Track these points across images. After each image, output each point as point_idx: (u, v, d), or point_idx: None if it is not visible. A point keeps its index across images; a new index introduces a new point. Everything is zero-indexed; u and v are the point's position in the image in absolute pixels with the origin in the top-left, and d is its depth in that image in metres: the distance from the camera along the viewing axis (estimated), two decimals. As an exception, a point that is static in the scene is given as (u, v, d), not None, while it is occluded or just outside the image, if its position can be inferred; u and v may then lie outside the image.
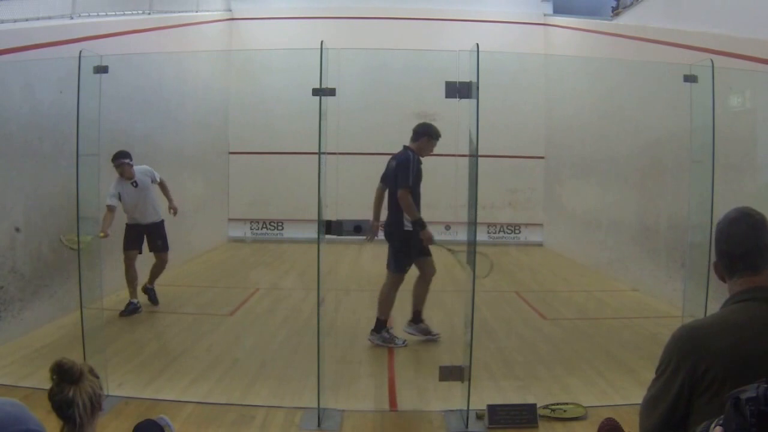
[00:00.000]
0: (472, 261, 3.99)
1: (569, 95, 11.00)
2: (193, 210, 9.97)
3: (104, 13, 7.42)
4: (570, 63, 11.09)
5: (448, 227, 12.22)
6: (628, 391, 4.11)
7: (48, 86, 5.69)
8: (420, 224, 5.07)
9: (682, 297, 4.36)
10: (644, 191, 7.85)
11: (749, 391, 1.27)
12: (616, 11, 9.79)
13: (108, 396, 3.68)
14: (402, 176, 5.11)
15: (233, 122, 12.28)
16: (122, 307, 6.17)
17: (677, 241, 6.66)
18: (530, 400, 3.88)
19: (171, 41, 9.10)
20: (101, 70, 3.96)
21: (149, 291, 6.55)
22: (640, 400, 1.81)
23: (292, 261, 10.17)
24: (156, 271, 6.58)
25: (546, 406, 3.80)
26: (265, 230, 12.50)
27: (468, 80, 3.76)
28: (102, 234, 5.35)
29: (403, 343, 5.22)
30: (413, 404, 4.06)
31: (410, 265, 5.25)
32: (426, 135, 5.28)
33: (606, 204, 9.16)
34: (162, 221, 6.54)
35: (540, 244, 12.04)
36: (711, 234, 3.85)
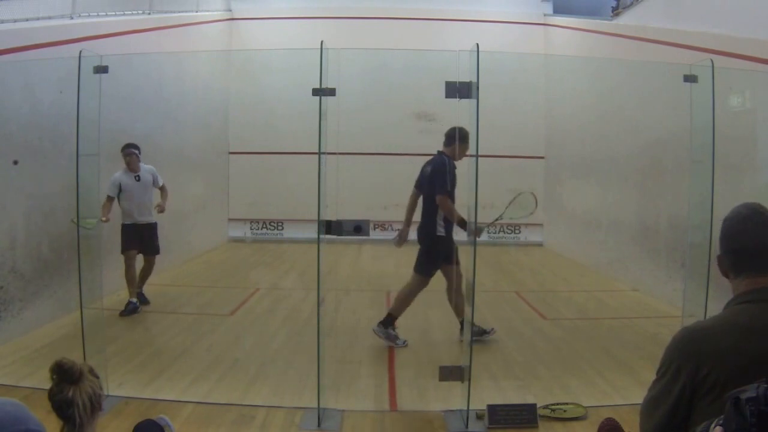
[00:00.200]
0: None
1: (569, 95, 10.99)
2: (193, 210, 9.98)
3: (104, 13, 7.42)
4: (570, 63, 11.09)
5: (448, 227, 12.23)
6: (628, 391, 4.11)
7: (48, 86, 5.69)
8: (464, 226, 5.09)
9: (682, 297, 4.36)
10: (644, 191, 7.85)
11: (749, 391, 1.26)
12: (616, 11, 9.79)
13: (108, 396, 3.68)
14: (440, 182, 5.14)
15: (233, 122, 12.28)
16: (122, 307, 6.17)
17: (677, 241, 6.66)
18: (530, 400, 3.88)
19: (171, 41, 9.10)
20: (101, 70, 3.96)
21: (139, 296, 6.52)
22: (640, 400, 1.80)
23: (292, 261, 10.17)
24: (145, 275, 6.58)
25: (546, 406, 3.80)
26: (265, 230, 12.50)
27: (468, 80, 3.76)
28: (104, 218, 5.58)
29: (404, 343, 5.22)
30: (413, 404, 4.06)
31: (436, 270, 5.26)
32: (459, 139, 5.30)
33: (606, 204, 9.16)
34: (156, 224, 6.57)
35: (540, 244, 12.04)
36: (711, 234, 3.87)
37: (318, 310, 3.87)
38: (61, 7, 6.50)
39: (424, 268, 5.25)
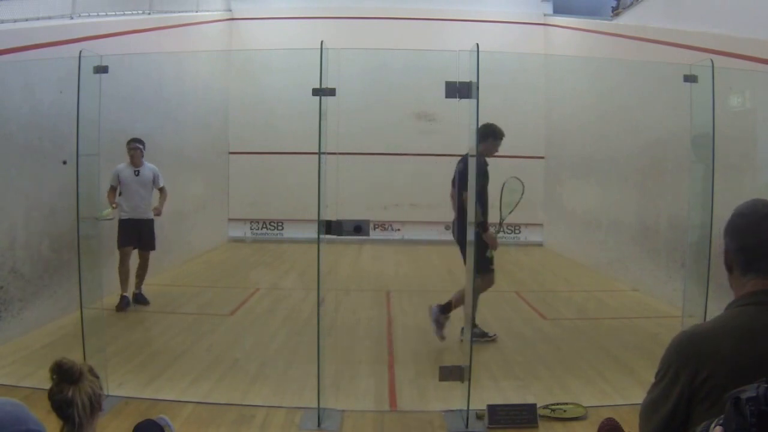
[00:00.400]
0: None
1: (569, 95, 10.99)
2: (193, 210, 9.98)
3: (104, 13, 7.42)
4: (570, 63, 11.09)
5: (448, 227, 12.23)
6: (628, 391, 4.11)
7: (48, 86, 5.69)
8: (483, 227, 5.09)
9: (682, 297, 4.36)
10: (644, 191, 7.85)
11: (749, 391, 1.26)
12: (616, 11, 9.79)
13: (108, 396, 3.68)
14: (465, 180, 5.14)
15: (233, 122, 12.28)
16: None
17: (677, 241, 6.66)
18: (530, 400, 3.88)
19: (171, 41, 9.10)
20: (101, 70, 3.96)
21: (138, 296, 6.55)
22: (640, 400, 1.79)
23: (292, 261, 10.17)
24: (141, 273, 6.61)
25: (546, 406, 3.80)
26: (265, 230, 12.50)
27: (468, 80, 3.76)
28: (114, 205, 6.17)
29: (443, 337, 5.19)
30: (413, 404, 4.06)
31: (492, 262, 5.26)
32: (491, 136, 5.32)
33: (606, 204, 9.16)
34: (152, 220, 6.60)
35: (540, 244, 12.04)
36: (711, 234, 3.87)
37: (318, 310, 3.87)
38: (61, 7, 6.50)
39: (482, 265, 5.23)
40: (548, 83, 12.04)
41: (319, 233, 3.77)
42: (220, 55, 11.87)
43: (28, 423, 1.41)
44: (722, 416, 1.33)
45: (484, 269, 5.21)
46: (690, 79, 4.05)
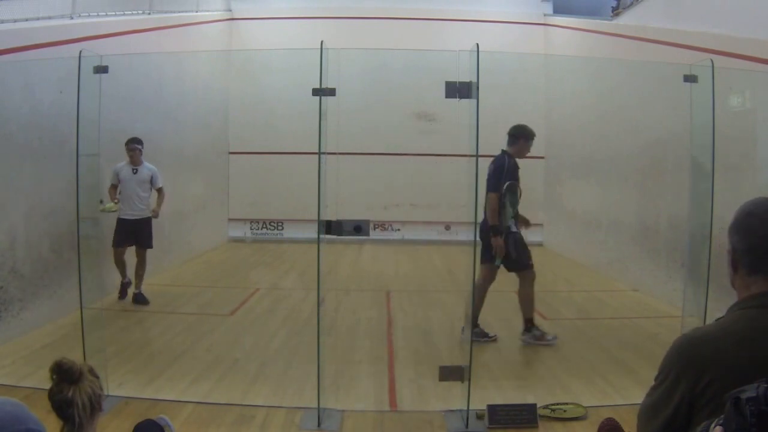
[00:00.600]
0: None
1: (569, 95, 10.99)
2: (193, 210, 9.98)
3: (104, 13, 7.42)
4: (570, 63, 11.09)
5: (448, 227, 12.24)
6: (628, 391, 4.10)
7: (48, 86, 5.69)
8: (496, 230, 5.12)
9: (682, 297, 4.36)
10: (644, 191, 7.85)
11: (749, 391, 1.25)
12: (616, 11, 9.78)
13: (108, 396, 3.68)
14: (494, 181, 5.20)
15: (233, 122, 12.28)
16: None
17: (677, 241, 6.66)
18: (530, 400, 3.88)
19: (171, 41, 9.10)
20: (101, 70, 3.96)
21: (138, 296, 6.56)
22: (640, 400, 1.78)
23: (292, 261, 10.17)
24: (140, 272, 6.63)
25: (546, 406, 3.80)
26: (265, 230, 12.50)
27: (468, 80, 3.76)
28: (116, 201, 6.36)
29: (554, 338, 5.30)
30: (413, 404, 4.06)
31: (530, 258, 5.32)
32: (522, 137, 5.35)
33: (606, 204, 9.15)
34: (149, 218, 6.63)
35: (540, 244, 12.02)
36: (711, 234, 3.87)
37: (318, 310, 3.87)
38: (61, 7, 6.50)
39: (520, 262, 5.27)
40: (548, 83, 12.04)
41: (319, 233, 3.77)
42: (220, 55, 11.87)
43: (28, 423, 1.41)
44: (722, 416, 1.32)
45: (523, 266, 5.28)
46: (690, 79, 4.05)
